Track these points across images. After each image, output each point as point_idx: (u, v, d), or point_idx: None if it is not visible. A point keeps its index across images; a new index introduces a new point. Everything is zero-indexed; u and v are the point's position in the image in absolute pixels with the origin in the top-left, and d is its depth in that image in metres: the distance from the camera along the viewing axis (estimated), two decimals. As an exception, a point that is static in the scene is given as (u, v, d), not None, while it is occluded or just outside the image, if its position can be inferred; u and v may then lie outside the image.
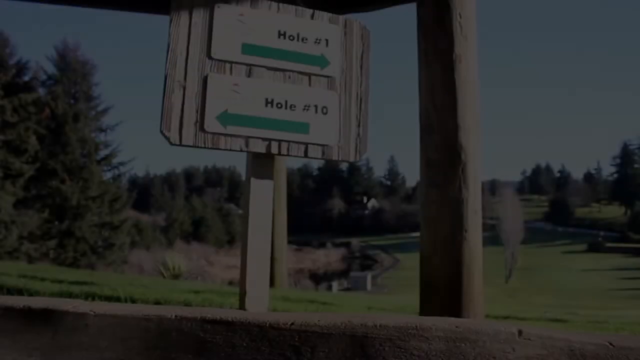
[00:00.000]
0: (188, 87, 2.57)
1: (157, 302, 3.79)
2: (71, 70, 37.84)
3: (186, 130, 2.54)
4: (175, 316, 2.15)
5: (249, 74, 2.71)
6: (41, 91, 36.99)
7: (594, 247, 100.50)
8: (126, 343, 2.12)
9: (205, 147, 2.59)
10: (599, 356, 2.17)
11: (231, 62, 2.68)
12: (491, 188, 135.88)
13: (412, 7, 3.77)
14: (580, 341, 2.20)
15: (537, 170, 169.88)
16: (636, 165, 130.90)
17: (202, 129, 2.57)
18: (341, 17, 2.98)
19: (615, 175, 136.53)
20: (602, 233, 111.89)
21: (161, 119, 2.51)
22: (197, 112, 2.57)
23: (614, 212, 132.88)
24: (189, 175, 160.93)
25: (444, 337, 2.12)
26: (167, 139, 2.51)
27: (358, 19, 3.04)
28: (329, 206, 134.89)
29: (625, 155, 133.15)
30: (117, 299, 3.82)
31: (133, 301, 3.76)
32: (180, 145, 2.54)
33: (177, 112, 2.53)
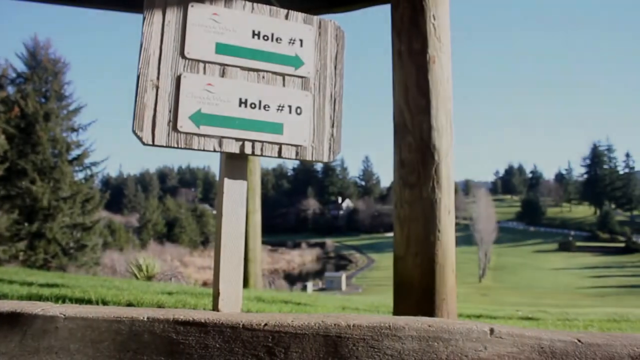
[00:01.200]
0: (161, 86, 2.54)
1: (130, 304, 3.74)
2: (42, 69, 37.18)
3: (159, 130, 2.52)
4: (148, 318, 2.12)
5: (222, 74, 2.70)
6: (10, 89, 36.31)
7: (565, 247, 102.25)
8: (97, 346, 2.09)
9: (178, 148, 2.57)
10: (568, 353, 2.21)
11: (205, 62, 2.66)
12: (465, 188, 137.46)
13: (386, 9, 3.79)
14: (550, 339, 2.23)
15: (509, 171, 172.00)
16: (605, 166, 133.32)
17: (175, 128, 2.55)
18: (315, 18, 2.98)
19: (585, 176, 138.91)
20: (572, 232, 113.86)
21: (133, 118, 2.48)
22: (170, 111, 2.55)
23: (584, 211, 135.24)
24: (162, 175, 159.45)
25: (417, 336, 2.14)
26: (140, 139, 2.49)
27: (333, 19, 3.05)
28: (304, 206, 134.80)
29: (595, 157, 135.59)
30: (89, 301, 3.76)
31: (105, 303, 3.71)
32: (153, 145, 2.52)
33: (149, 111, 2.51)
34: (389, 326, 2.13)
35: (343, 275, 67.91)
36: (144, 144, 2.50)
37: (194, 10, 2.65)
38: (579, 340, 2.25)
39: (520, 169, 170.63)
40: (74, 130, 38.31)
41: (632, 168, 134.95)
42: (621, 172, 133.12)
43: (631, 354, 2.24)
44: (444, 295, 3.11)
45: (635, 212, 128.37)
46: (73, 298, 3.94)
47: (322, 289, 58.48)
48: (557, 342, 2.23)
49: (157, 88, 2.53)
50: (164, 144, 2.53)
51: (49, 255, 33.55)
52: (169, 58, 2.58)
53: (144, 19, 2.54)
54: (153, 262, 11.91)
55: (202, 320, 2.13)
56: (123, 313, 2.15)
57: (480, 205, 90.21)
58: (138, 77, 2.51)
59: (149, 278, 11.29)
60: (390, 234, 3.24)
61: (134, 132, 2.48)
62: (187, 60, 2.62)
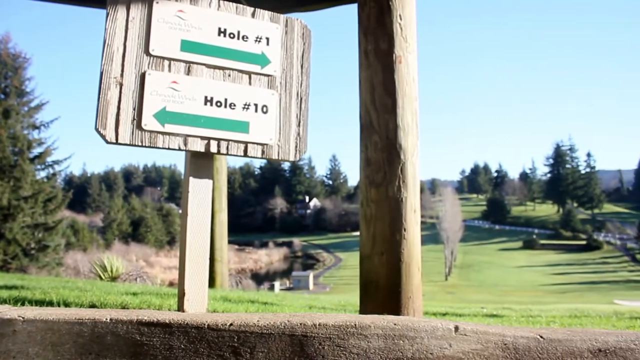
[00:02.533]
0: (125, 84, 2.50)
1: (93, 306, 3.66)
2: (1, 63, 36.23)
3: (123, 128, 2.48)
4: (110, 319, 2.09)
5: (188, 72, 2.67)
6: (-34, 85, 35.31)
7: (529, 245, 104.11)
8: (57, 349, 2.04)
9: (142, 146, 2.53)
10: (530, 348, 2.26)
11: (170, 59, 2.63)
12: (431, 187, 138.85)
13: (353, 8, 3.80)
14: (513, 335, 2.27)
15: (475, 170, 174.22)
16: (567, 166, 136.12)
17: (139, 127, 2.51)
18: (282, 16, 2.97)
19: (549, 175, 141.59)
20: (536, 231, 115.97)
21: (96, 116, 2.44)
22: (134, 109, 2.51)
23: (548, 210, 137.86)
24: (127, 174, 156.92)
25: (382, 334, 2.15)
26: (103, 137, 2.44)
27: (299, 18, 3.05)
28: (271, 205, 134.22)
29: (558, 156, 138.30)
30: (50, 303, 3.67)
31: (66, 305, 3.62)
32: (117, 143, 2.48)
33: (113, 109, 2.46)
34: (355, 325, 2.14)
35: (310, 275, 67.94)
36: (107, 142, 2.45)
37: (159, 7, 2.62)
38: (541, 336, 2.29)
39: (486, 168, 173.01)
40: (35, 127, 37.37)
41: (593, 168, 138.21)
42: (583, 172, 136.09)
43: (590, 348, 2.30)
44: (410, 294, 3.13)
45: (596, 211, 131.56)
46: (33, 300, 3.84)
47: (289, 289, 58.40)
48: (519, 339, 2.27)
49: (121, 85, 2.49)
50: (128, 143, 2.49)
51: (9, 256, 32.67)
52: (133, 55, 2.54)
53: (107, 14, 2.50)
54: (118, 262, 11.71)
55: (167, 321, 2.10)
56: (85, 315, 2.10)
57: (447, 204, 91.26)
58: (101, 74, 2.46)
59: (114, 279, 11.11)
60: (358, 233, 3.26)
61: (97, 130, 2.43)
62: (151, 58, 2.58)
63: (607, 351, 2.31)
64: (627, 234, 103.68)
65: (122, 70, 2.50)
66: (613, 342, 2.34)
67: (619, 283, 69.75)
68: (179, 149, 2.61)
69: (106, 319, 2.08)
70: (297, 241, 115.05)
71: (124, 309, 2.60)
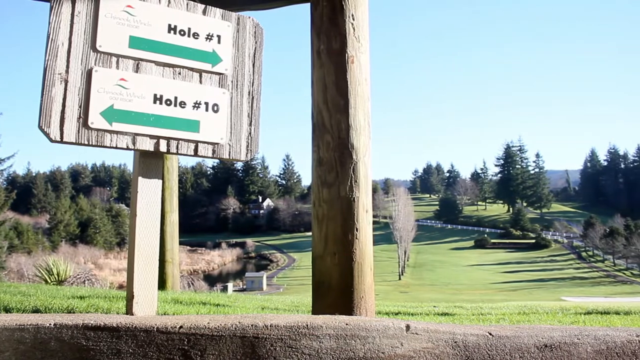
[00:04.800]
0: (70, 80, 2.42)
1: (36, 310, 3.54)
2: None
3: (68, 126, 2.40)
4: (55, 324, 2.01)
5: (136, 69, 2.61)
6: None
7: (480, 244, 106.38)
8: (-3, 355, 1.96)
9: (89, 145, 2.46)
10: (479, 346, 2.29)
11: (118, 56, 2.56)
12: (384, 187, 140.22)
13: (306, 8, 3.79)
14: (463, 333, 2.31)
15: (428, 170, 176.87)
16: (517, 166, 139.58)
17: (85, 125, 2.43)
18: (234, 14, 2.94)
19: (499, 175, 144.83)
20: (487, 230, 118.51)
21: (40, 113, 2.35)
22: (80, 107, 2.43)
23: (498, 209, 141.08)
24: (75, 173, 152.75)
25: (334, 334, 2.14)
26: (47, 135, 2.36)
27: (251, 16, 3.02)
28: (224, 206, 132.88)
29: (508, 157, 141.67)
30: (-9, 308, 3.53)
31: (7, 310, 3.49)
32: (62, 142, 2.40)
33: (57, 106, 2.38)
34: (307, 325, 2.13)
35: (264, 275, 67.67)
36: (51, 140, 2.37)
37: (106, 2, 2.55)
38: (490, 334, 2.34)
39: (438, 168, 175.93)
40: (-23, 125, 36.05)
41: (542, 168, 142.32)
42: (532, 172, 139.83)
43: (536, 343, 2.35)
44: (363, 293, 3.14)
45: (545, 210, 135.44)
46: (-27, 305, 3.69)
47: (242, 290, 58.05)
48: (469, 336, 2.30)
49: (66, 82, 2.41)
50: (74, 141, 2.42)
51: (-52, 259, 31.41)
52: (79, 51, 2.46)
53: (51, 8, 2.41)
54: (64, 265, 11.40)
55: (114, 325, 2.04)
56: (27, 320, 2.02)
57: (400, 204, 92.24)
58: (45, 69, 2.38)
59: (60, 282, 10.82)
60: (311, 233, 3.25)
61: (40, 128, 2.35)
62: (98, 54, 2.51)
63: (553, 346, 2.37)
64: (574, 232, 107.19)
65: (67, 66, 2.42)
66: (558, 337, 2.40)
67: (565, 280, 72.07)
68: (127, 148, 2.55)
69: (50, 324, 2.01)
70: (250, 242, 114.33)
71: (69, 313, 2.53)
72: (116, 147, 2.52)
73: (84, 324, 2.03)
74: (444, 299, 41.65)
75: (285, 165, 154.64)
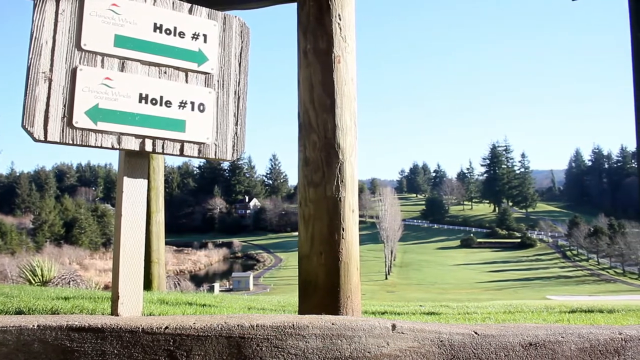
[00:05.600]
0: (55, 79, 2.40)
1: (20, 312, 3.50)
2: None
3: (52, 125, 2.37)
4: (38, 326, 1.99)
5: (122, 68, 2.58)
6: None
7: (466, 243, 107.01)
8: (-21, 357, 1.94)
9: (73, 144, 2.44)
10: (465, 344, 2.31)
11: (103, 55, 2.54)
12: (371, 187, 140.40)
13: (293, 7, 3.79)
14: (449, 332, 2.32)
15: (414, 170, 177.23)
16: (503, 166, 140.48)
17: (70, 124, 2.41)
18: (220, 13, 2.92)
19: (485, 175, 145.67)
20: (473, 229, 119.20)
21: (23, 112, 2.33)
22: (64, 106, 2.41)
23: (484, 209, 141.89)
24: (60, 173, 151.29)
25: (320, 334, 2.14)
26: (30, 134, 2.33)
27: (238, 15, 3.01)
28: (210, 206, 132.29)
29: (494, 157, 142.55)
30: (-27, 310, 3.49)
31: (-9, 311, 3.45)
32: (45, 141, 2.37)
33: (41, 105, 2.36)
34: (293, 325, 2.12)
35: (251, 275, 67.57)
36: (35, 140, 2.35)
37: (91, 0, 2.52)
38: (476, 332, 2.35)
39: (425, 168, 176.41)
40: (-41, 124, 35.56)
41: (527, 168, 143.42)
42: (517, 172, 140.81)
43: (521, 342, 2.37)
44: (349, 293, 3.15)
45: (530, 210, 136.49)
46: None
47: (229, 290, 57.92)
48: (455, 335, 2.31)
49: (50, 81, 2.39)
50: (58, 141, 2.39)
51: None
52: (64, 49, 2.44)
53: (34, 5, 2.39)
54: (49, 265, 11.29)
55: (99, 326, 2.03)
56: (10, 322, 2.00)
57: (386, 204, 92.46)
58: (28, 68, 2.35)
59: (45, 283, 10.71)
60: (298, 233, 3.25)
61: (24, 127, 2.32)
62: (83, 52, 2.49)
63: (537, 344, 2.39)
64: (559, 231, 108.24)
65: (52, 65, 2.39)
66: (543, 336, 2.42)
67: (550, 279, 72.75)
68: (113, 148, 2.53)
69: (33, 326, 1.99)
70: (237, 242, 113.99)
71: (53, 315, 2.50)
72: (101, 147, 2.50)
73: (68, 325, 2.02)
74: (431, 298, 41.80)
75: (271, 165, 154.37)
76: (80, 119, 2.43)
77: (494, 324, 2.62)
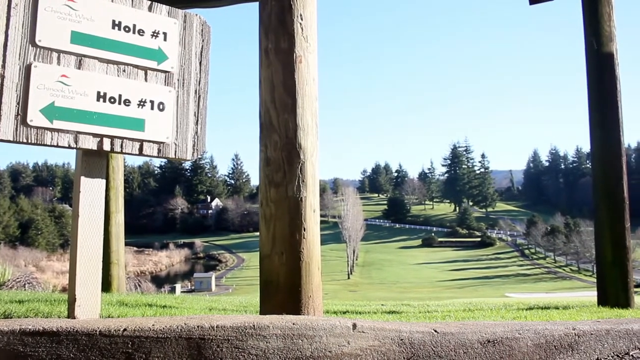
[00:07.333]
0: (7, 75, 2.33)
1: (-29, 316, 3.39)
2: None
3: (5, 123, 2.31)
4: (-11, 330, 1.94)
5: (79, 65, 2.53)
6: None
7: (427, 242, 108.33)
8: None
9: (28, 143, 2.38)
10: (425, 342, 2.33)
11: (59, 51, 2.48)
12: (333, 187, 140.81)
13: (254, 6, 3.78)
14: (409, 330, 2.34)
15: (376, 170, 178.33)
16: (464, 166, 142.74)
17: (24, 123, 2.35)
18: (181, 11, 2.89)
19: (446, 175, 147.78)
20: (434, 229, 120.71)
21: (-26, 110, 2.26)
22: (18, 104, 2.35)
23: (445, 209, 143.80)
24: (15, 173, 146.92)
25: (281, 334, 2.14)
26: (-18, 133, 2.27)
27: (199, 14, 2.98)
28: (172, 206, 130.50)
29: (455, 157, 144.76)
30: None
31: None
32: (-2, 140, 2.31)
33: (-6, 103, 2.29)
34: (254, 325, 2.12)
35: (212, 276, 66.99)
36: (-13, 138, 2.28)
37: (46, -5, 2.46)
38: (435, 330, 2.38)
39: (387, 168, 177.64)
40: None
41: (487, 168, 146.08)
42: (477, 172, 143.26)
43: (480, 339, 2.41)
44: (310, 293, 3.15)
45: (490, 209, 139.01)
46: None
47: (191, 291, 57.37)
48: (415, 333, 2.34)
49: (3, 77, 2.32)
50: (11, 139, 2.33)
51: None
52: (17, 45, 2.37)
53: (-14, 0, 2.32)
54: (3, 268, 10.97)
55: (54, 329, 1.98)
56: (-41, 326, 1.94)
57: (349, 204, 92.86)
58: (-21, 64, 2.28)
59: (-1, 286, 10.41)
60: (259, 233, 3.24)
61: (-26, 125, 2.26)
62: (38, 49, 2.43)
63: (495, 341, 2.43)
64: (517, 230, 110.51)
65: (4, 61, 2.33)
66: (500, 333, 2.47)
67: (509, 277, 74.26)
68: (69, 147, 2.47)
69: (-16, 330, 1.93)
70: (198, 242, 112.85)
71: (6, 319, 2.43)
72: (57, 146, 2.45)
73: (21, 329, 1.96)
74: (392, 297, 42.18)
75: (234, 165, 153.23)
76: (35, 117, 2.37)
77: (454, 322, 2.66)
